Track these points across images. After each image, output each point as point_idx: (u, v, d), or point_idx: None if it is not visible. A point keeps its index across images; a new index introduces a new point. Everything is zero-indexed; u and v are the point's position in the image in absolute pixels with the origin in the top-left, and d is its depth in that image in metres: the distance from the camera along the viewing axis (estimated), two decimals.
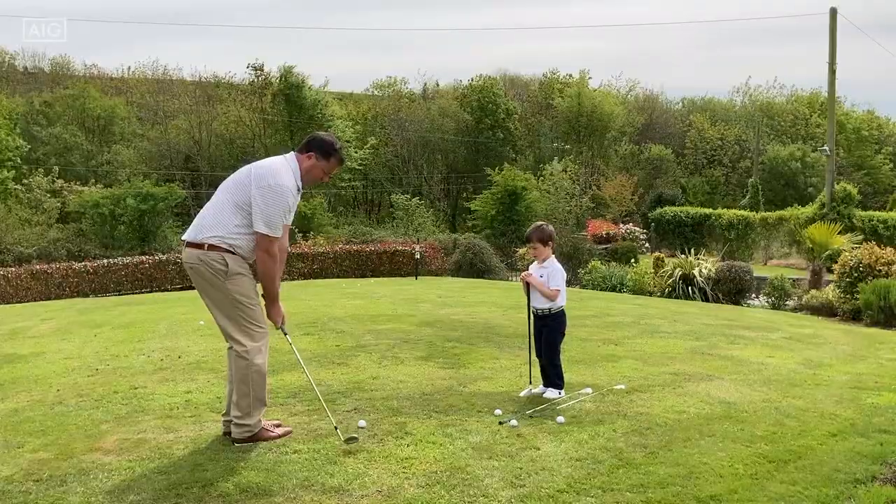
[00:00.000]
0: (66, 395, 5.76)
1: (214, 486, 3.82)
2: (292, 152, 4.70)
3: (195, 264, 4.44)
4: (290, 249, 24.60)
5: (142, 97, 47.30)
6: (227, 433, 4.57)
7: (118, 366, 6.87)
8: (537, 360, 5.63)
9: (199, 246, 4.43)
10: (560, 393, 5.48)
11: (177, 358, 7.10)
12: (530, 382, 5.67)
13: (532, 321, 5.69)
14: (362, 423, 4.81)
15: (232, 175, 4.61)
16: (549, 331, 5.55)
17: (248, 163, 4.72)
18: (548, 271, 5.54)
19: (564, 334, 5.67)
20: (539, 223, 5.73)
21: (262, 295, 4.60)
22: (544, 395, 5.46)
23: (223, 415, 4.72)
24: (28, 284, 20.96)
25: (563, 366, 5.64)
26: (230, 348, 4.59)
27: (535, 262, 5.67)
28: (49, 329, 9.95)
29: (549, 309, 5.54)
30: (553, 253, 5.65)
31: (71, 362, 7.15)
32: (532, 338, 5.70)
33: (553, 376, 5.54)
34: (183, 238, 4.55)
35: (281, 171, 4.52)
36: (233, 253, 4.45)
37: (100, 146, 40.00)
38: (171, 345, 7.91)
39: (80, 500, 3.71)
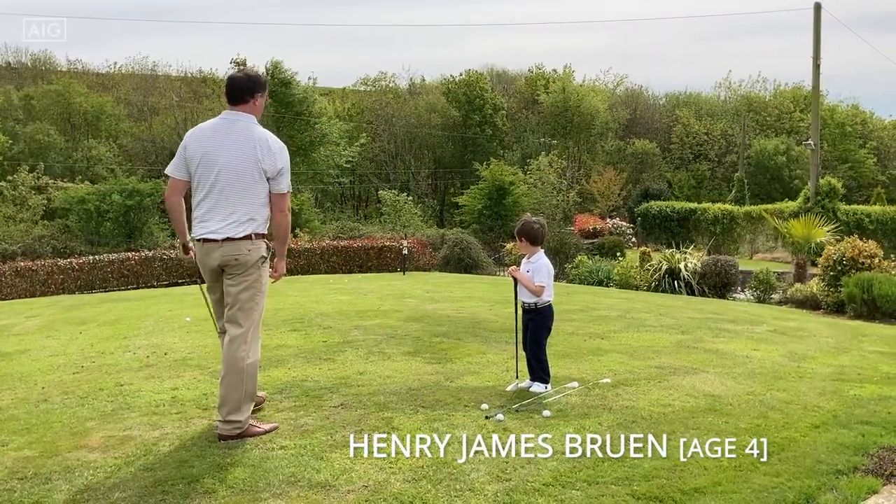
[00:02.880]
0: (51, 392, 5.73)
1: (200, 483, 3.82)
2: (236, 111, 4.64)
3: (242, 255, 4.55)
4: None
5: (128, 93, 47.00)
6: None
7: (104, 363, 6.83)
8: (524, 355, 5.65)
9: (246, 238, 4.55)
10: (546, 387, 5.49)
11: (163, 355, 7.08)
12: (517, 377, 5.69)
13: (519, 315, 5.70)
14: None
15: (226, 165, 4.54)
16: (534, 325, 5.56)
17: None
18: (534, 266, 5.54)
19: (550, 329, 5.67)
20: (524, 219, 5.70)
21: (273, 256, 4.81)
22: (530, 390, 5.48)
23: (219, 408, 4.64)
24: (13, 282, 20.81)
25: (549, 360, 5.66)
26: (229, 341, 4.59)
27: (525, 257, 5.69)
28: (34, 326, 9.89)
29: (535, 303, 5.53)
30: (542, 247, 5.65)
31: (56, 360, 7.11)
32: (519, 332, 5.73)
33: (538, 370, 5.55)
34: (212, 237, 4.54)
35: (265, 132, 4.66)
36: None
37: (86, 142, 39.65)
38: (158, 341, 7.88)
39: (65, 497, 3.70)
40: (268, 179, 4.58)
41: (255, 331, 4.63)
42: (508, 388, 5.56)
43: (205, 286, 4.90)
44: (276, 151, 4.60)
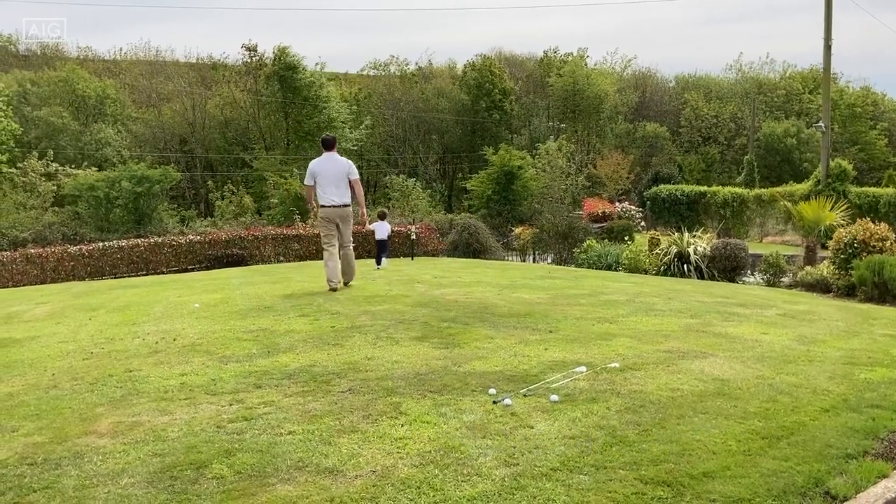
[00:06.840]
0: (61, 378, 5.76)
1: (209, 468, 3.83)
2: (331, 152, 10.25)
3: (349, 212, 10.30)
4: (285, 231, 26.15)
5: (135, 79, 46.99)
6: (334, 289, 10.15)
7: (113, 349, 6.86)
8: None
9: (347, 205, 10.23)
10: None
11: (172, 340, 7.10)
12: None
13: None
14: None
15: (333, 175, 10.11)
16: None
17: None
18: (375, 224, 13.70)
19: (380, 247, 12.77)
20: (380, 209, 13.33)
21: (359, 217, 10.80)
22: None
23: (332, 286, 10.16)
24: (23, 269, 20.91)
25: (557, 344, 5.96)
26: (343, 249, 10.42)
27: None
28: (44, 313, 9.94)
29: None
30: (379, 220, 14.02)
31: (66, 346, 7.15)
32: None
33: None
34: (336, 202, 10.12)
35: (344, 158, 10.34)
36: None
37: (94, 125, 39.72)
38: (167, 327, 7.90)
39: (74, 483, 3.72)
40: (349, 176, 10.17)
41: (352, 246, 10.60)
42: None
43: (323, 227, 10.31)
44: (351, 164, 10.33)
